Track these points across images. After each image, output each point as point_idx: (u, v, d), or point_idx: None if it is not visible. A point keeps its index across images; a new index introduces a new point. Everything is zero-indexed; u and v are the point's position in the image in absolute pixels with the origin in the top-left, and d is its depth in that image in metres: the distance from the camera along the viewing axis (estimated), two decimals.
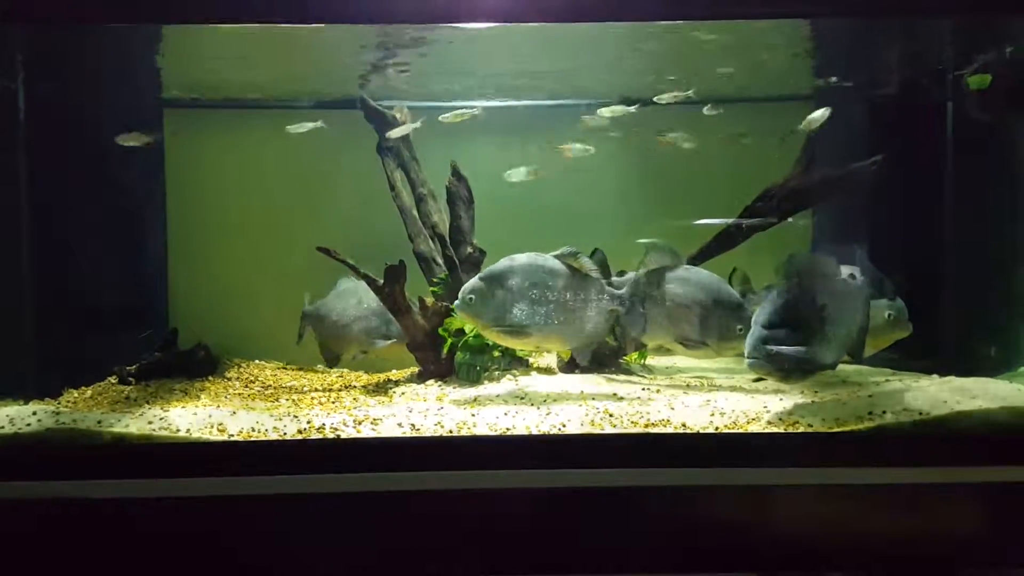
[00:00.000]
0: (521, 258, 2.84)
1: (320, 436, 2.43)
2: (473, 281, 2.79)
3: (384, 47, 3.05)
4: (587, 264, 2.85)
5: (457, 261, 3.32)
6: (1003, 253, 3.19)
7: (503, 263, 2.82)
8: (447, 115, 3.36)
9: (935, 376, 2.97)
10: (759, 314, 2.55)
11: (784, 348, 2.47)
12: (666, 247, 3.04)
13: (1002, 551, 2.38)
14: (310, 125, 3.44)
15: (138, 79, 3.57)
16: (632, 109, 3.38)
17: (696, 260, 3.27)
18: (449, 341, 3.16)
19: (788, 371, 2.52)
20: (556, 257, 2.86)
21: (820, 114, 3.19)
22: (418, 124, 3.51)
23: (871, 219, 3.54)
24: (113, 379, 3.28)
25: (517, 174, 3.37)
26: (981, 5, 2.48)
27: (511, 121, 3.81)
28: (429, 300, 3.23)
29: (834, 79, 3.32)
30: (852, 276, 2.76)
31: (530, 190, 3.74)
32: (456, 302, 2.82)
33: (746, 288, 3.01)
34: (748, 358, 2.50)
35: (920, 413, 2.44)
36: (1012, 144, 3.13)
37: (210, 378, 3.40)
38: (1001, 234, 3.18)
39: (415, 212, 3.47)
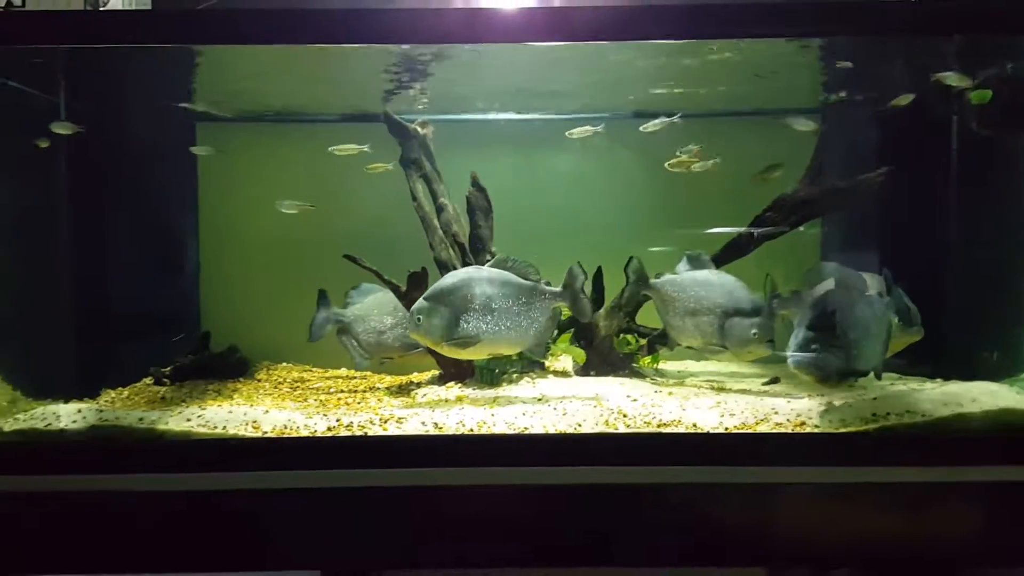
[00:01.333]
0: (460, 273, 2.99)
1: (348, 433, 2.55)
2: (419, 301, 2.91)
3: (407, 64, 3.18)
4: (520, 268, 2.98)
5: None
6: (1005, 261, 3.26)
7: (445, 280, 2.96)
8: (573, 131, 3.50)
9: (939, 380, 3.06)
10: (803, 317, 2.65)
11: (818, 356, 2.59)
12: (699, 254, 3.22)
13: (1003, 550, 2.47)
14: (355, 147, 3.54)
15: (172, 93, 3.71)
16: (598, 128, 3.50)
17: (718, 263, 3.36)
18: None
19: (828, 374, 2.61)
20: (492, 266, 2.99)
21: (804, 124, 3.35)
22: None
23: (878, 227, 3.63)
24: (148, 380, 3.41)
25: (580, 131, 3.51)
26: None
27: (528, 133, 3.94)
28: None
29: (842, 94, 3.42)
30: (880, 294, 2.85)
31: (546, 199, 3.90)
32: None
33: (776, 294, 3.08)
34: (792, 357, 2.60)
35: (923, 415, 2.52)
36: (1013, 155, 3.21)
37: (241, 379, 3.53)
38: (1003, 242, 3.26)
39: (436, 221, 3.59)
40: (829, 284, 2.77)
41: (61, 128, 3.16)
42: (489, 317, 2.91)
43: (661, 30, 2.61)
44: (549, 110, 3.89)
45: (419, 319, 2.89)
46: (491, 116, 3.88)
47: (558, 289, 2.98)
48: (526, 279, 2.98)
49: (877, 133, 3.62)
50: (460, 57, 3.08)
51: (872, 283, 2.85)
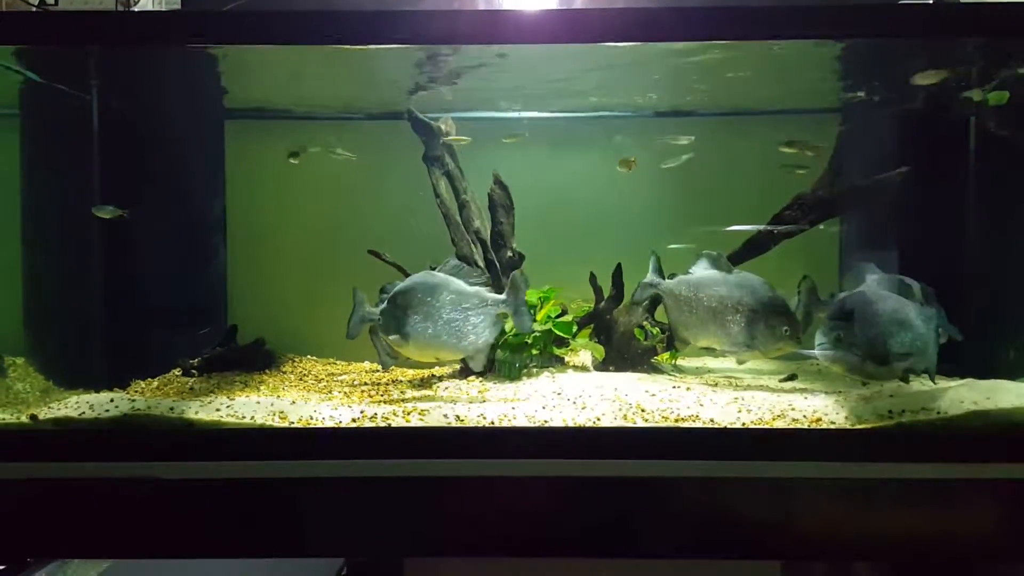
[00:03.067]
0: (416, 277, 3.03)
1: (373, 424, 2.62)
2: (384, 303, 2.97)
3: (432, 63, 3.24)
4: (468, 274, 3.05)
5: (498, 264, 3.50)
6: (1022, 261, 3.28)
7: (404, 282, 3.01)
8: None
9: (956, 378, 3.08)
10: (833, 310, 2.71)
11: (843, 353, 2.64)
12: (716, 254, 3.23)
13: (1020, 546, 2.50)
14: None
15: (202, 91, 3.79)
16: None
17: (735, 260, 3.39)
18: None
19: (855, 367, 2.65)
20: (443, 271, 3.05)
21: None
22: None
23: (896, 227, 3.65)
24: (177, 371, 3.49)
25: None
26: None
27: (552, 132, 3.99)
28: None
29: (861, 94, 3.43)
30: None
31: (568, 196, 3.94)
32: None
33: (815, 294, 3.07)
34: (818, 346, 2.65)
35: (939, 412, 2.54)
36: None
37: (267, 371, 3.61)
38: (1019, 243, 3.27)
39: (458, 218, 3.65)
40: (873, 284, 2.84)
41: (103, 213, 3.26)
42: (433, 320, 2.95)
43: (683, 31, 2.65)
44: (571, 108, 3.93)
45: (379, 320, 2.96)
46: (512, 115, 3.92)
47: (501, 297, 3.03)
48: (472, 285, 3.04)
49: (896, 132, 3.63)
50: (488, 57, 3.13)
51: (915, 289, 2.88)
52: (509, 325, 3.26)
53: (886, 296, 2.76)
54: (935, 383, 2.77)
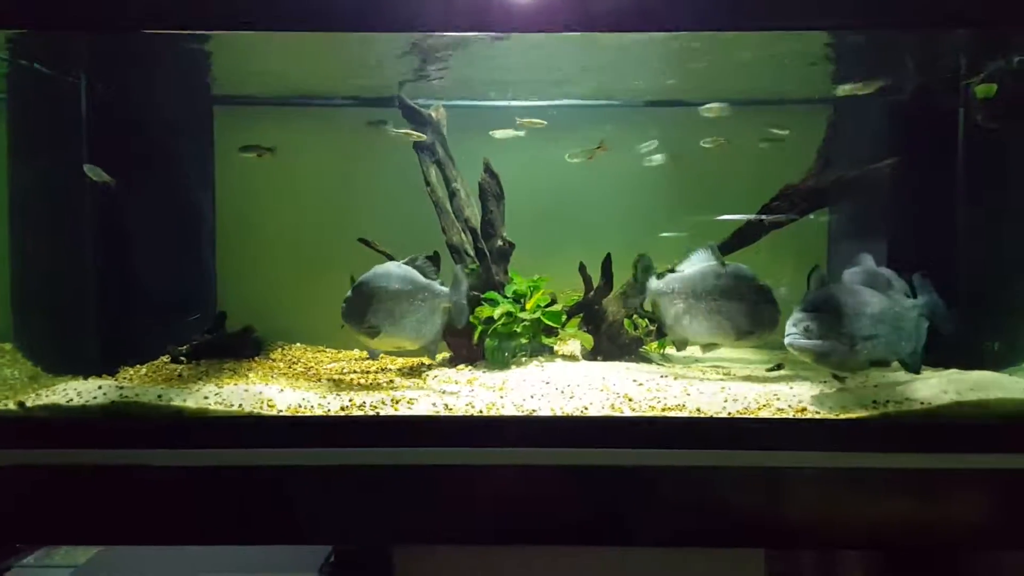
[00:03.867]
0: (377, 268, 3.08)
1: (361, 413, 2.62)
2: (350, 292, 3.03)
3: (423, 51, 3.23)
4: (423, 267, 3.13)
5: (488, 253, 3.50)
6: (1008, 252, 3.30)
7: (366, 273, 3.06)
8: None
9: (940, 369, 3.11)
10: (805, 301, 2.74)
11: (812, 342, 2.67)
12: (710, 247, 3.25)
13: (1000, 533, 2.51)
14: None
15: (190, 77, 3.77)
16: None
17: (726, 250, 3.41)
18: (479, 328, 3.34)
19: (823, 354, 2.69)
20: (405, 263, 3.12)
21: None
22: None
23: (883, 218, 3.67)
24: (165, 358, 3.49)
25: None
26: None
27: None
28: None
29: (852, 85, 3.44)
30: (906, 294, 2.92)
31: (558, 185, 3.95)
32: None
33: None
34: (787, 335, 2.70)
35: (921, 403, 2.57)
36: (1016, 149, 3.24)
37: (256, 359, 3.61)
38: (1006, 234, 3.29)
39: (448, 206, 3.65)
40: (852, 276, 2.88)
41: (94, 174, 3.24)
42: (390, 310, 3.02)
43: (677, 22, 2.65)
44: (561, 96, 3.92)
45: (344, 307, 3.00)
46: (504, 103, 3.91)
47: (446, 289, 3.11)
48: (426, 277, 3.11)
49: (885, 124, 3.64)
50: (479, 44, 3.12)
51: (893, 282, 2.91)
52: (498, 313, 3.28)
53: (857, 289, 2.79)
54: (919, 373, 2.80)
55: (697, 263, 3.25)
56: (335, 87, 3.94)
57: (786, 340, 2.70)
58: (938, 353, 3.11)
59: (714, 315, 3.17)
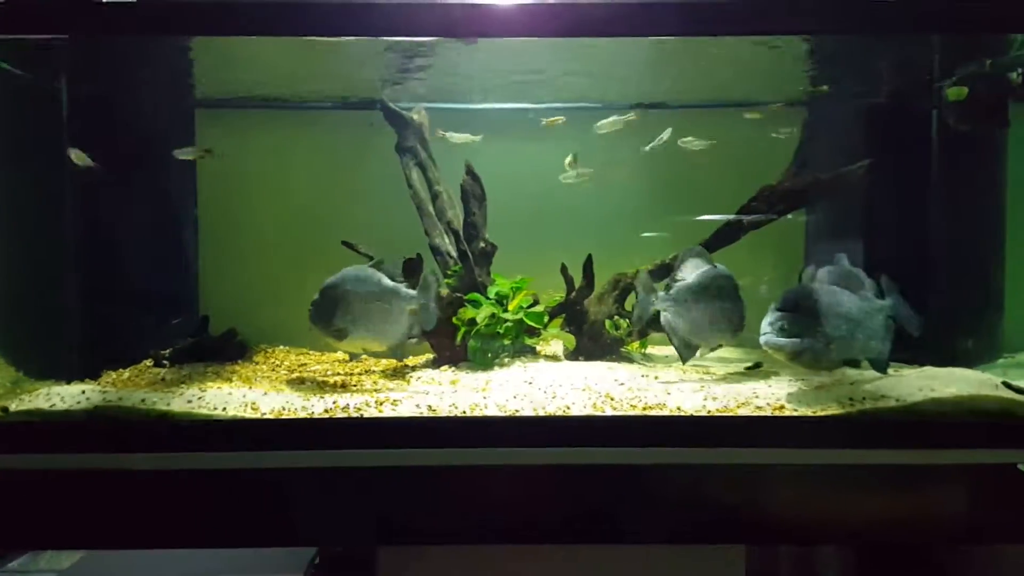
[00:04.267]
0: (345, 271, 3.12)
1: (345, 415, 2.64)
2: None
3: (404, 54, 3.25)
4: (389, 270, 3.17)
5: (470, 254, 3.53)
6: (981, 253, 3.37)
7: (333, 276, 3.10)
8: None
9: (915, 367, 3.17)
10: (780, 301, 2.81)
11: (787, 341, 2.74)
12: (700, 250, 3.28)
13: (975, 528, 2.56)
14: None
15: (172, 80, 3.77)
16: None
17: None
18: (462, 329, 3.37)
19: (796, 353, 2.75)
20: (371, 267, 3.16)
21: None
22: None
23: (858, 218, 3.73)
24: (148, 362, 3.48)
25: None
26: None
27: (522, 123, 4.02)
28: (443, 291, 3.44)
29: (825, 87, 3.50)
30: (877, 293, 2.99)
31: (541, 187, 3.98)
32: None
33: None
34: (762, 335, 2.76)
35: (897, 400, 2.62)
36: (988, 150, 3.32)
37: (239, 362, 3.60)
38: (979, 235, 3.37)
39: (431, 208, 3.68)
40: (826, 276, 2.94)
41: (78, 158, 3.24)
42: (356, 313, 3.06)
43: (656, 27, 2.69)
44: (543, 99, 3.96)
45: (311, 309, 3.04)
46: (487, 105, 3.94)
47: (413, 292, 3.14)
48: (393, 280, 3.15)
49: (859, 126, 3.71)
50: (459, 49, 3.15)
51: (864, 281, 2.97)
52: (481, 314, 3.31)
53: (831, 289, 2.86)
54: (886, 372, 2.86)
55: (694, 268, 3.24)
56: (318, 90, 3.95)
57: (761, 339, 2.76)
58: (913, 351, 3.18)
59: (721, 317, 3.19)
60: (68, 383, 3.01)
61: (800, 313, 2.76)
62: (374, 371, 3.44)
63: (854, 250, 3.64)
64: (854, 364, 2.91)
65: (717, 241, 3.51)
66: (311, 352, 3.94)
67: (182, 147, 3.66)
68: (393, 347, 3.18)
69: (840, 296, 2.83)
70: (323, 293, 3.05)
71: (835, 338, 2.76)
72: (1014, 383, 2.70)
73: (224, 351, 3.62)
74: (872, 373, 2.95)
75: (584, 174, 3.72)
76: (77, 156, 3.23)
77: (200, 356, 3.54)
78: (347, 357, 3.80)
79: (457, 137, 3.69)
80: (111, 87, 3.55)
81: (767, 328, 2.77)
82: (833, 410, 2.61)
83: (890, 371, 3.07)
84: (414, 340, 3.34)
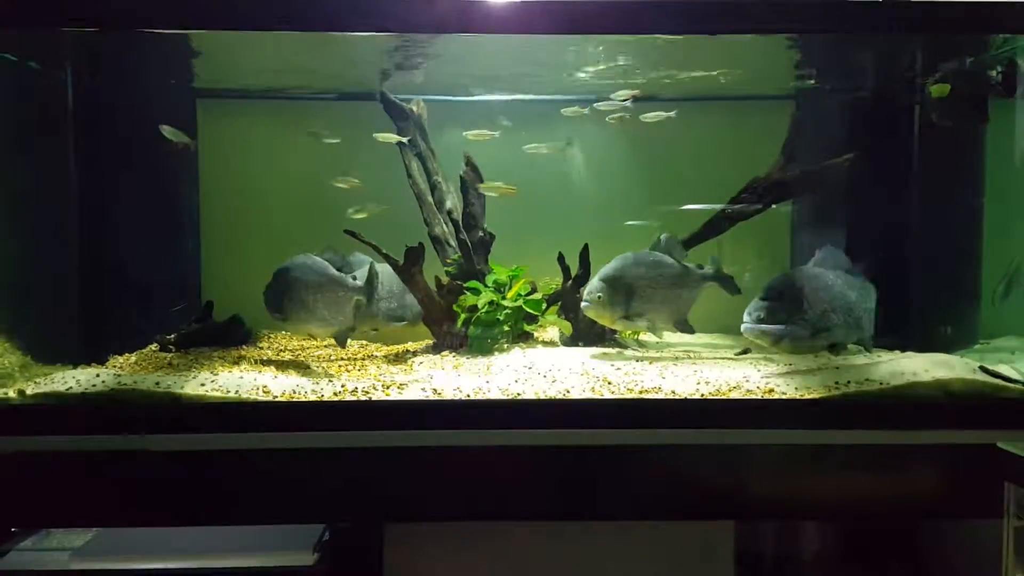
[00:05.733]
0: (296, 258, 3.29)
1: (354, 398, 2.74)
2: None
3: (402, 48, 3.33)
4: (335, 260, 3.34)
5: (470, 244, 3.63)
6: (960, 244, 3.52)
7: (283, 263, 3.28)
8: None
9: (897, 352, 3.31)
10: (764, 289, 2.98)
11: (769, 327, 2.91)
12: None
13: (952, 504, 2.72)
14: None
15: (173, 70, 3.82)
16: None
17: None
18: (463, 316, 3.46)
19: (777, 339, 2.93)
20: (319, 256, 3.33)
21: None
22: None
23: (843, 210, 3.87)
24: (154, 347, 3.56)
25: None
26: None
27: (519, 114, 4.11)
28: (444, 279, 3.54)
29: (812, 82, 3.62)
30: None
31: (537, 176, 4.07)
32: None
33: None
34: (743, 323, 2.92)
35: (881, 383, 2.75)
36: (968, 144, 3.45)
37: (244, 347, 3.69)
38: (958, 226, 3.51)
39: (430, 198, 3.77)
40: (815, 260, 3.14)
41: (171, 134, 3.39)
42: (299, 299, 3.23)
43: (650, 25, 2.79)
44: (540, 91, 4.05)
45: (266, 293, 3.23)
46: (485, 97, 4.03)
47: (359, 283, 3.29)
48: (339, 271, 3.30)
49: (845, 120, 3.84)
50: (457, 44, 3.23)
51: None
52: (482, 301, 3.41)
53: (816, 274, 3.03)
54: (870, 352, 3.02)
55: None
56: (317, 82, 4.02)
57: (742, 327, 2.93)
58: (896, 337, 3.32)
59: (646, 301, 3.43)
60: (75, 367, 3.08)
61: (782, 301, 2.92)
62: (377, 356, 3.53)
63: (837, 239, 3.78)
64: (840, 348, 3.05)
65: (707, 232, 3.62)
66: (310, 338, 4.01)
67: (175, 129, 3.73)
68: (335, 335, 3.32)
69: (825, 281, 2.98)
70: (274, 277, 3.22)
71: (818, 324, 2.92)
72: (990, 367, 2.85)
73: (228, 336, 3.68)
74: (857, 358, 3.08)
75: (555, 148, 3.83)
76: (171, 132, 3.30)
77: (205, 341, 3.61)
78: (350, 342, 3.90)
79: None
80: (114, 76, 3.59)
81: (747, 316, 2.95)
82: (820, 393, 2.73)
83: (874, 355, 3.22)
84: (357, 329, 3.49)
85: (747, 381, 2.90)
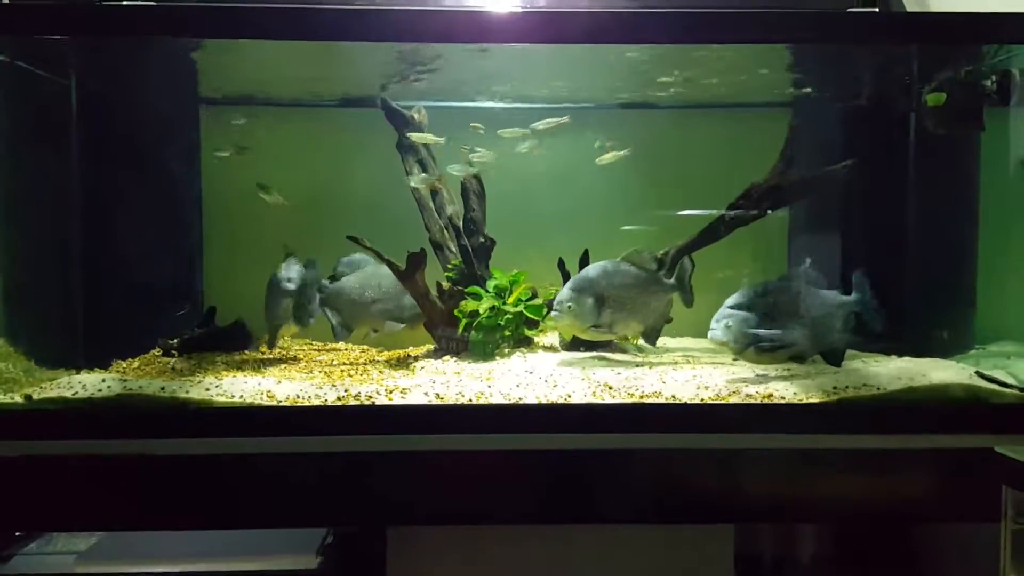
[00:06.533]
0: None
1: (357, 403, 2.76)
2: None
3: (403, 58, 3.37)
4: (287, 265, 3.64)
5: (470, 249, 3.66)
6: (955, 249, 3.56)
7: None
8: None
9: (894, 357, 3.34)
10: (733, 300, 3.04)
11: (728, 336, 2.99)
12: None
13: (947, 507, 2.74)
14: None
15: (177, 77, 3.85)
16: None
17: (685, 251, 3.64)
18: (464, 321, 3.49)
19: (741, 348, 2.99)
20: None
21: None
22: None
23: (840, 216, 3.91)
24: (157, 351, 3.58)
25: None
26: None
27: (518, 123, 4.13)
28: (445, 284, 3.57)
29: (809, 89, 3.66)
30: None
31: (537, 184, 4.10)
32: None
33: None
34: (710, 329, 3.01)
35: (878, 388, 2.79)
36: (964, 151, 3.49)
37: (246, 352, 3.70)
38: (954, 232, 3.55)
39: (431, 204, 3.80)
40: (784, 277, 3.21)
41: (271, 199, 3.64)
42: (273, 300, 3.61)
43: (650, 35, 2.83)
44: (538, 100, 4.08)
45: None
46: (484, 104, 4.06)
47: (292, 287, 3.54)
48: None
49: (842, 127, 3.88)
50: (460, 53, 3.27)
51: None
52: (483, 307, 3.43)
53: (781, 288, 3.09)
54: (839, 366, 3.10)
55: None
56: (321, 89, 4.05)
57: (708, 334, 3.00)
58: (893, 342, 3.35)
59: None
60: (78, 372, 3.10)
61: (749, 311, 2.99)
62: (379, 361, 3.56)
63: (834, 244, 3.83)
64: (801, 359, 3.12)
65: (703, 239, 3.66)
66: (314, 342, 4.05)
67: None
68: (270, 331, 3.63)
69: (792, 292, 3.07)
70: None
71: (782, 336, 2.99)
72: (986, 372, 2.89)
73: (232, 341, 3.71)
74: (855, 364, 3.12)
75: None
76: (271, 198, 3.59)
77: (208, 346, 3.63)
78: (352, 347, 3.94)
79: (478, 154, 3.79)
80: (118, 83, 3.62)
81: (714, 323, 3.01)
82: (818, 398, 2.77)
83: (870, 361, 3.26)
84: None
85: (746, 385, 2.93)
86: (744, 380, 3.01)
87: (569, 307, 3.35)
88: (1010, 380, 2.83)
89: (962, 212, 3.54)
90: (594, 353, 3.58)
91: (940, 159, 3.49)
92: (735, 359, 3.25)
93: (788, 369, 3.20)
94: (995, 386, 2.79)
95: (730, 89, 3.87)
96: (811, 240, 4.10)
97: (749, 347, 3.00)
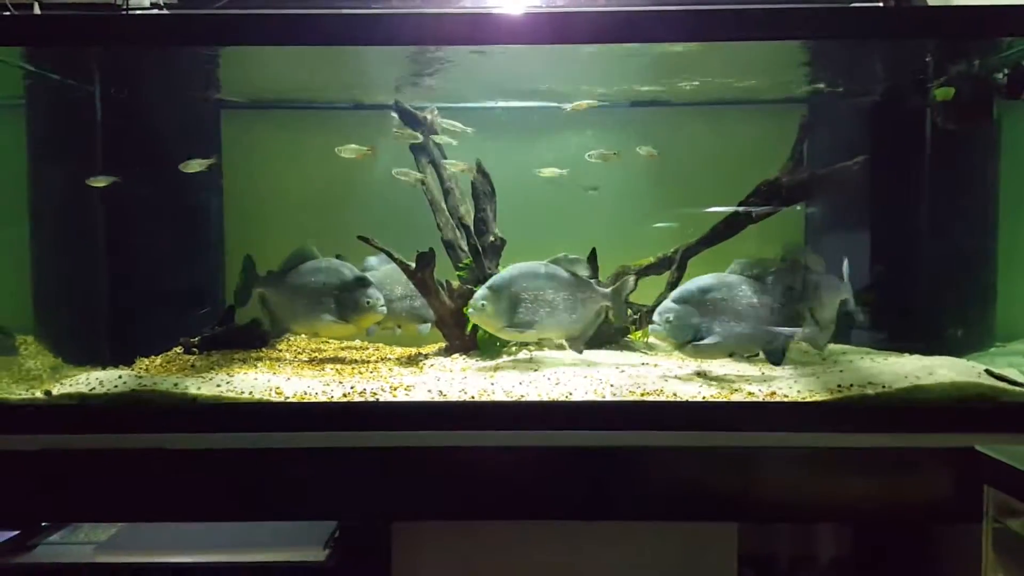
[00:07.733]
0: None
1: (362, 399, 2.82)
2: None
3: (416, 60, 3.42)
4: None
5: (480, 249, 3.70)
6: (971, 246, 3.49)
7: None
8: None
9: (905, 355, 3.30)
10: (675, 294, 3.08)
11: (668, 331, 3.02)
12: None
13: (953, 508, 2.68)
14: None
15: (199, 82, 3.96)
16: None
17: (705, 243, 3.64)
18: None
19: (680, 343, 3.02)
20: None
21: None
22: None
23: (855, 213, 3.86)
24: (178, 349, 3.69)
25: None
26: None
27: (530, 121, 4.17)
28: (455, 283, 3.61)
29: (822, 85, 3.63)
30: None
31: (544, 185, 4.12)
32: None
33: None
34: (652, 323, 3.03)
35: (884, 386, 2.76)
36: (983, 146, 3.43)
37: (263, 350, 3.79)
38: (969, 229, 3.49)
39: (443, 204, 3.85)
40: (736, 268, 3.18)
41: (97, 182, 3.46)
42: None
43: (662, 33, 2.84)
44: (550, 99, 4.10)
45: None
46: (496, 104, 4.10)
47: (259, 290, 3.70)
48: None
49: (855, 124, 3.84)
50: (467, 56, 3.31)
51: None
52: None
53: (725, 283, 3.07)
54: (780, 364, 3.11)
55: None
56: (337, 92, 4.12)
57: (649, 327, 3.01)
58: (907, 340, 3.31)
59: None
60: (104, 368, 3.20)
61: (689, 305, 3.01)
62: (389, 359, 3.62)
63: (852, 241, 3.79)
64: (742, 357, 3.16)
65: (721, 233, 3.64)
66: (330, 341, 4.12)
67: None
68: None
69: (735, 289, 3.05)
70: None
71: (717, 331, 3.01)
72: (996, 370, 2.83)
73: (249, 340, 3.80)
74: (862, 362, 3.09)
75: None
76: (96, 181, 3.46)
77: (226, 344, 3.73)
78: (364, 345, 4.00)
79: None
80: (141, 89, 3.73)
81: (656, 317, 3.02)
82: (822, 396, 2.75)
83: (878, 358, 3.22)
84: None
85: (750, 384, 2.93)
86: (748, 379, 3.00)
87: (483, 305, 3.28)
88: (1021, 379, 2.77)
89: (981, 208, 3.48)
90: (602, 351, 3.59)
91: (959, 154, 3.43)
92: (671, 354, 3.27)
93: (793, 367, 3.18)
94: (1004, 384, 2.74)
95: (744, 86, 3.86)
96: (828, 235, 4.06)
97: (688, 343, 3.00)
